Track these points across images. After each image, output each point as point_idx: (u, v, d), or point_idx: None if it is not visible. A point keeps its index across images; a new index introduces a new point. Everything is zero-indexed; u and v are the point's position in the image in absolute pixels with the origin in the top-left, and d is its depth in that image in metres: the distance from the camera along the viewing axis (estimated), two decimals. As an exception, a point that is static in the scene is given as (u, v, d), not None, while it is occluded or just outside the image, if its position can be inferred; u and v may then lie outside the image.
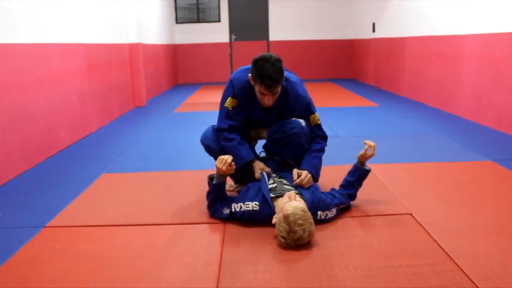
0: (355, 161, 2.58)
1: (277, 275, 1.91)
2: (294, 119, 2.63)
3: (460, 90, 5.39)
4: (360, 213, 2.52)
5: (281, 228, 2.10)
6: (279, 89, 2.47)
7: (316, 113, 2.70)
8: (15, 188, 3.18)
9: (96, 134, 4.94)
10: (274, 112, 2.68)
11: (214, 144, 2.72)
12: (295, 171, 2.50)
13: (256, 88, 2.48)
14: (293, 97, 2.62)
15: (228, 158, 2.37)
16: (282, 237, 2.10)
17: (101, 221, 2.52)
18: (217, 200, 2.48)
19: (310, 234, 2.11)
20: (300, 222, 2.06)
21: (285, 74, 2.48)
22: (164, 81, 9.29)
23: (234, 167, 2.40)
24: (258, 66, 2.40)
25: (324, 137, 2.74)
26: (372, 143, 2.48)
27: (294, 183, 2.46)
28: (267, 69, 2.37)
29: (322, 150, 2.70)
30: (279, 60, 2.41)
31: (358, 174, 2.55)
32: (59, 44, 4.28)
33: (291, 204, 2.14)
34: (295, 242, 2.09)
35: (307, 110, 2.66)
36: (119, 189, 3.07)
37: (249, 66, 2.53)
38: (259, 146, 2.99)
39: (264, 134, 2.82)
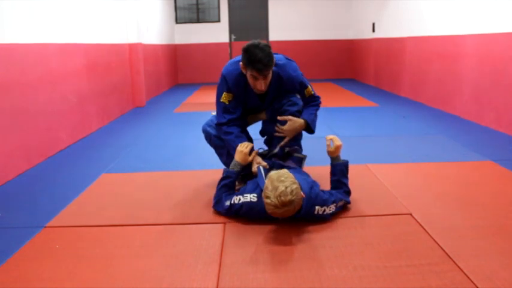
0: (329, 161, 2.66)
1: (277, 275, 1.91)
2: (292, 97, 2.80)
3: (459, 90, 5.40)
4: (360, 213, 2.52)
5: (266, 190, 2.16)
6: (270, 73, 2.59)
7: (309, 86, 2.88)
8: (15, 188, 3.18)
9: (96, 134, 4.93)
10: (270, 98, 2.81)
11: (214, 132, 2.87)
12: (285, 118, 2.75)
13: (248, 73, 2.58)
14: (286, 80, 2.76)
15: (250, 144, 2.61)
16: (267, 197, 2.14)
17: (100, 221, 2.52)
18: (225, 189, 2.54)
19: (294, 192, 2.12)
20: (281, 179, 2.16)
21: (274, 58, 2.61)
22: (164, 81, 9.28)
23: (255, 154, 2.63)
24: (249, 52, 2.52)
25: (317, 98, 2.94)
26: (331, 136, 2.62)
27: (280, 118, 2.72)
28: (257, 54, 2.49)
29: (318, 105, 2.94)
30: (267, 46, 2.55)
31: (339, 170, 2.60)
32: (59, 44, 4.28)
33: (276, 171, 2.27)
34: (279, 199, 2.10)
35: (301, 87, 2.84)
36: (119, 189, 3.06)
37: (238, 58, 2.68)
38: (258, 143, 3.00)
39: (262, 114, 2.94)
